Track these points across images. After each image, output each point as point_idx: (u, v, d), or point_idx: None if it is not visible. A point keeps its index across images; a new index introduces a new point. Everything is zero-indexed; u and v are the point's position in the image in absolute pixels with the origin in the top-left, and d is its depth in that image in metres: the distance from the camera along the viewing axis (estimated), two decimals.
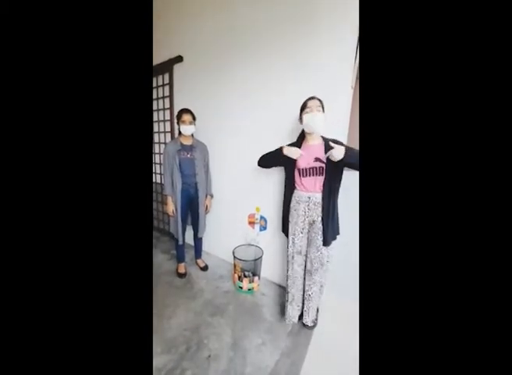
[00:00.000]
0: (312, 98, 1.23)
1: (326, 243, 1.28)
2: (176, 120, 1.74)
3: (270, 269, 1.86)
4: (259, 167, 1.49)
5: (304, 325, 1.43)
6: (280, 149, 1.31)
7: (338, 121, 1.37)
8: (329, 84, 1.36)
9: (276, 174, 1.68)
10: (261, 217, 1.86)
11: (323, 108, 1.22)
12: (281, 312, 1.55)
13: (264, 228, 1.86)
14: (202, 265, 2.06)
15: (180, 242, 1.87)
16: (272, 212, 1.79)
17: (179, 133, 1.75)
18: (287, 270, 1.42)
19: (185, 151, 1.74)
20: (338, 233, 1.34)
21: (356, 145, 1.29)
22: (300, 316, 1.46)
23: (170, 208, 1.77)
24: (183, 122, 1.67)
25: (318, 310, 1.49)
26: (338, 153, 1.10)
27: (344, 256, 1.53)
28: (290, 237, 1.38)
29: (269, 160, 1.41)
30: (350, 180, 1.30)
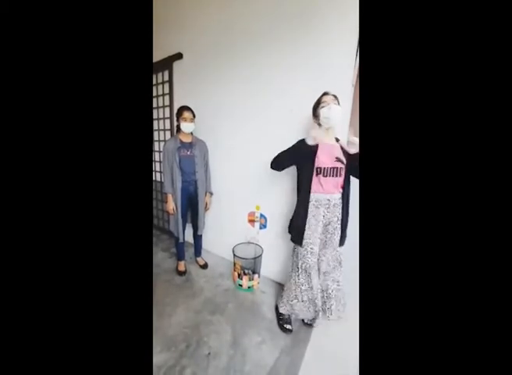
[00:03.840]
0: (326, 93, 1.22)
1: (343, 243, 1.30)
2: (175, 117, 1.73)
3: (270, 267, 1.86)
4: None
5: (304, 323, 1.43)
6: (302, 142, 1.22)
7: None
8: (330, 82, 1.34)
9: (276, 173, 1.67)
10: (261, 215, 1.86)
11: (338, 102, 1.21)
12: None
13: (264, 226, 1.86)
14: (202, 263, 2.06)
15: (180, 240, 1.86)
16: (272, 210, 1.78)
17: (178, 130, 1.74)
18: (298, 278, 1.32)
19: (185, 148, 1.72)
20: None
21: (356, 144, 1.29)
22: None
23: (170, 206, 1.76)
24: (184, 119, 1.66)
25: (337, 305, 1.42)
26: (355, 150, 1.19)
27: (344, 255, 1.52)
28: (308, 247, 1.26)
29: (285, 158, 1.28)
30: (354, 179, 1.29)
